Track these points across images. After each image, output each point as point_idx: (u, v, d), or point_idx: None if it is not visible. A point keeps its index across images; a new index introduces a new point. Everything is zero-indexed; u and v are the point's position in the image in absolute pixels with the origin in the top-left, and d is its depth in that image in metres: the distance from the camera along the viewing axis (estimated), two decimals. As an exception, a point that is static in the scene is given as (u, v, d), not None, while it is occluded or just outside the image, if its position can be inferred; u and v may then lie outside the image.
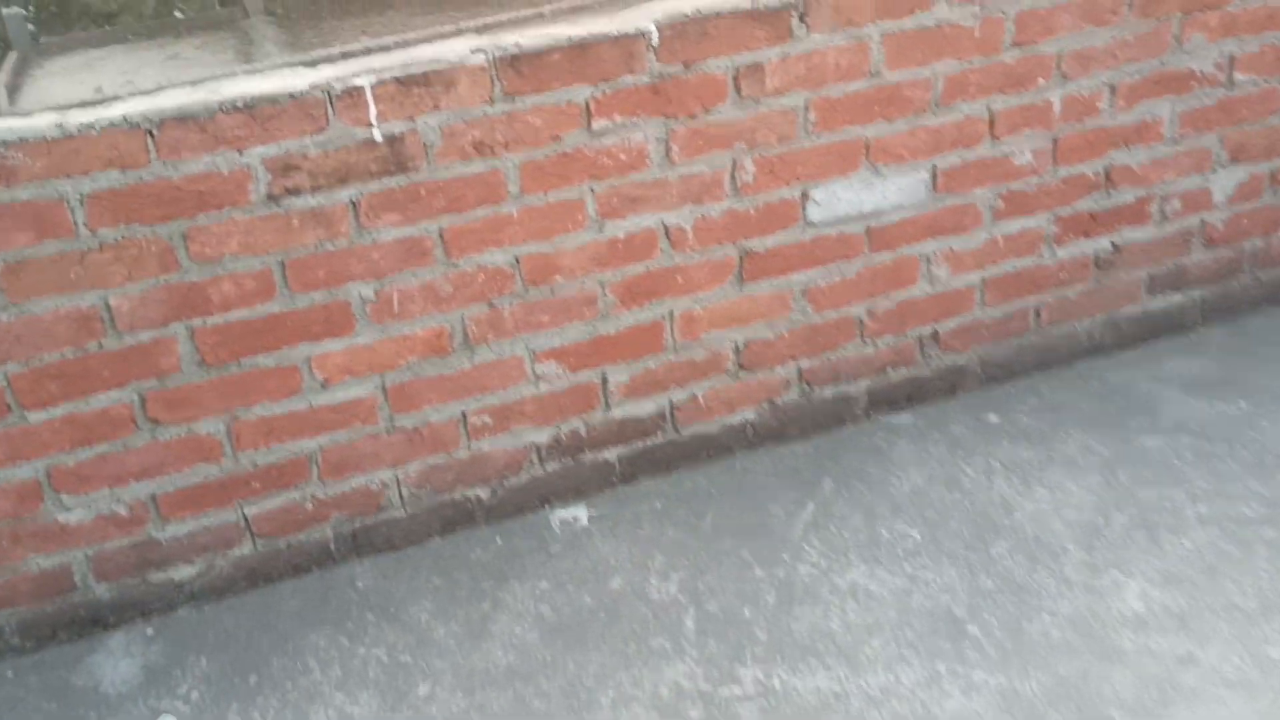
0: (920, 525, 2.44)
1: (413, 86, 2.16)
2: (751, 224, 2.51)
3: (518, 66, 2.21)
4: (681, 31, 2.29)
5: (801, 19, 2.37)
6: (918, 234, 2.67)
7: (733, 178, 2.46)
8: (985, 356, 2.87)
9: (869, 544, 2.40)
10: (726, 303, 2.57)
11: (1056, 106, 2.65)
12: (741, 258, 2.54)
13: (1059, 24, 2.56)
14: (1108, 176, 2.77)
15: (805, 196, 2.54)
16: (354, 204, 2.20)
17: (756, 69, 2.37)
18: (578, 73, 2.25)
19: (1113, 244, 2.86)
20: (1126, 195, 2.81)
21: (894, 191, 2.60)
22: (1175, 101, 2.75)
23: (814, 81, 2.43)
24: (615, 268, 2.44)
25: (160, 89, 2.15)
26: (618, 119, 2.32)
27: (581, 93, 2.27)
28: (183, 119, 2.04)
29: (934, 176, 2.62)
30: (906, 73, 2.49)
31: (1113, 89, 2.68)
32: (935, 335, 2.79)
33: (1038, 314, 2.87)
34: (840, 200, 2.56)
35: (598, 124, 2.31)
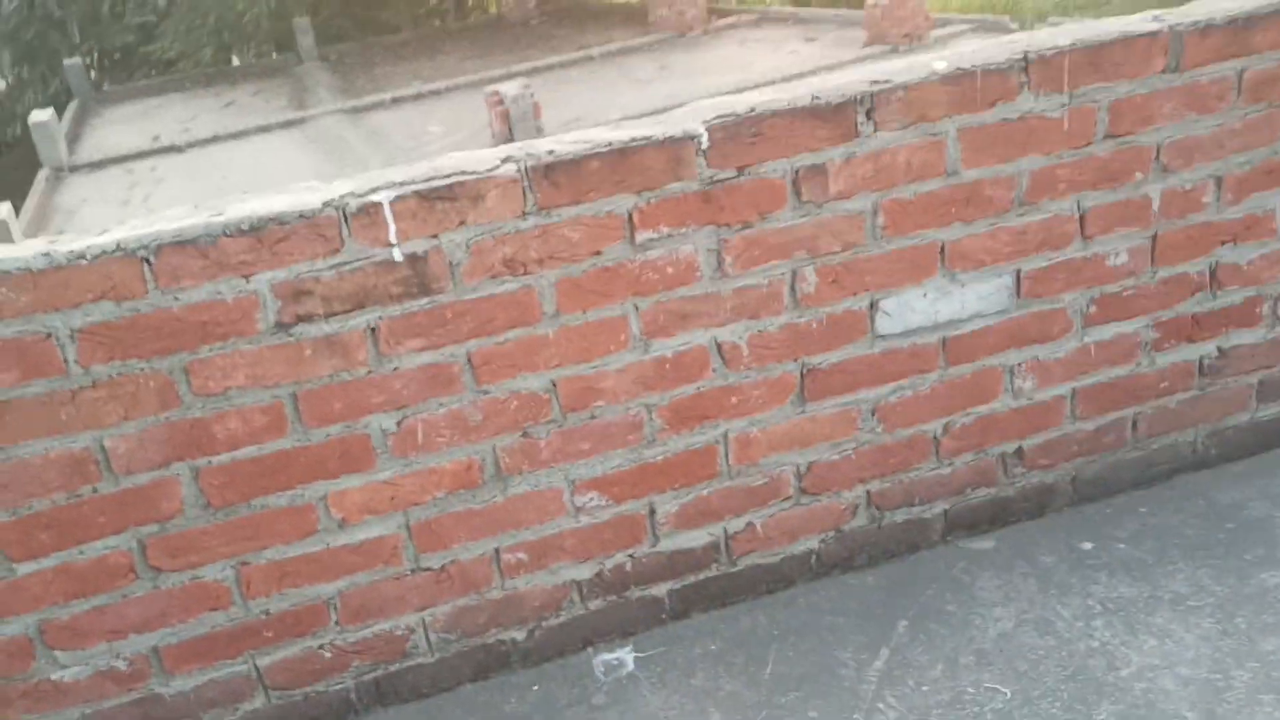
0: (1011, 679, 2.15)
1: (436, 201, 1.95)
2: (814, 338, 2.27)
3: (552, 176, 2.00)
4: (734, 133, 2.07)
5: (868, 116, 2.13)
6: (1000, 343, 2.40)
7: (792, 289, 2.22)
8: (1076, 474, 2.58)
9: (952, 703, 2.11)
10: (787, 423, 2.32)
11: (1155, 202, 2.38)
12: (803, 375, 2.29)
13: (1158, 112, 2.30)
14: (1213, 276, 2.49)
15: (874, 307, 2.29)
16: (372, 330, 1.99)
17: (818, 171, 2.14)
18: (619, 181, 2.04)
19: (1219, 348, 2.57)
20: (1234, 295, 2.52)
21: (973, 299, 2.34)
22: (1288, 192, 2.46)
23: (883, 182, 2.19)
24: (662, 390, 2.21)
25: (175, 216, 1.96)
26: (664, 230, 2.09)
27: (624, 203, 2.05)
28: (182, 244, 1.85)
29: (1018, 281, 2.36)
30: (986, 170, 2.24)
31: (1219, 181, 2.40)
32: (1020, 452, 2.52)
33: (1135, 425, 2.58)
34: (913, 310, 2.31)
35: (642, 236, 2.08)
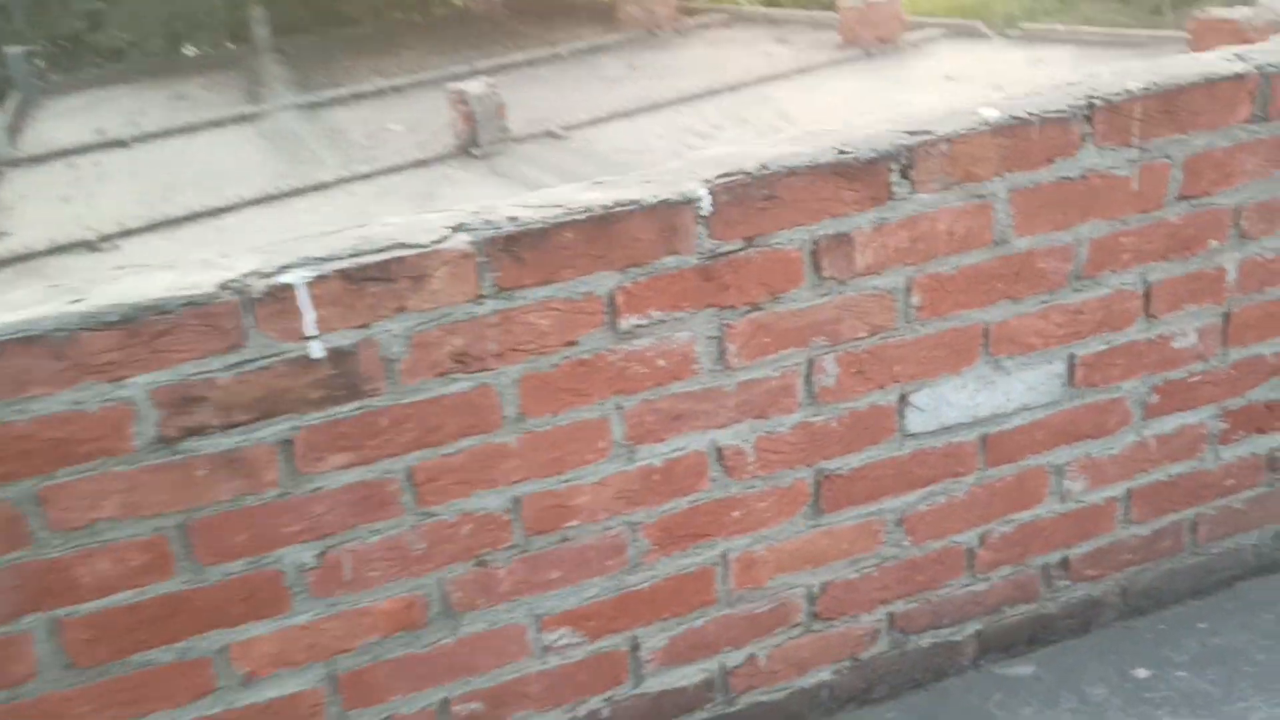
0: None
1: (367, 283, 1.54)
2: (832, 439, 1.87)
3: (516, 250, 1.59)
4: (741, 196, 1.67)
5: (904, 174, 1.74)
6: (1047, 440, 2.02)
7: (808, 382, 1.82)
8: (1127, 584, 2.21)
9: None
10: (798, 539, 1.92)
11: (1231, 273, 2.00)
12: (818, 482, 1.89)
13: (1239, 169, 1.92)
14: (1292, 357, 2.12)
15: (904, 401, 1.90)
16: (286, 444, 1.57)
17: (843, 241, 1.74)
18: (600, 256, 1.63)
19: (1293, 439, 2.20)
20: (1315, 380, 2.16)
21: (1019, 389, 1.96)
22: (1382, 261, 2.10)
23: (919, 254, 1.80)
24: (650, 505, 1.81)
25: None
26: (654, 314, 1.69)
27: (605, 282, 1.65)
28: (29, 341, 1.42)
29: (1071, 368, 1.98)
30: (1041, 238, 1.86)
31: (1305, 249, 2.03)
32: (1065, 563, 2.14)
33: (1194, 529, 2.21)
34: (949, 404, 1.92)
35: (627, 322, 1.68)
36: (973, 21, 18.45)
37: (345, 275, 1.52)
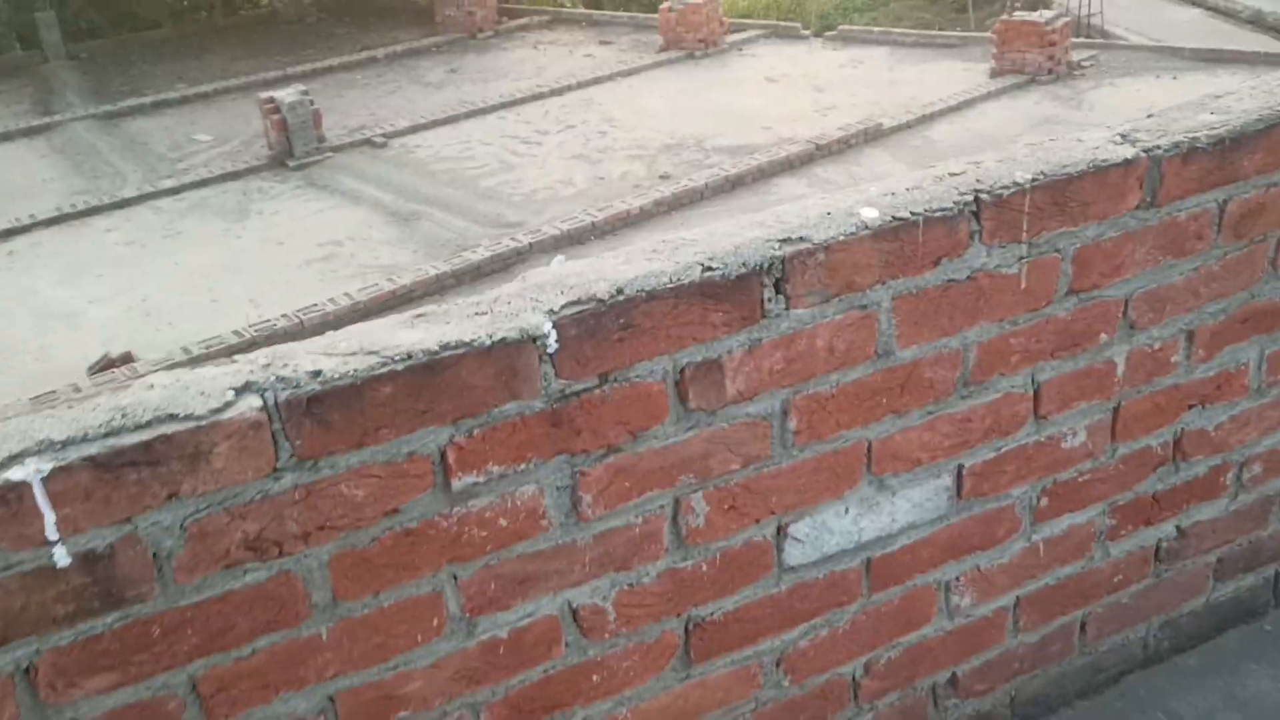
0: None
1: (125, 469, 1.21)
2: (703, 584, 1.63)
3: (321, 412, 1.29)
4: (593, 328, 1.40)
5: (778, 288, 1.50)
6: (935, 557, 1.83)
7: (675, 525, 1.58)
8: (1017, 693, 2.04)
9: None
10: (666, 695, 1.68)
11: (1120, 366, 1.85)
12: (688, 631, 1.65)
13: (1129, 259, 1.77)
14: (1177, 446, 1.99)
15: (781, 534, 1.67)
16: (27, 671, 1.23)
17: (711, 369, 1.50)
18: (425, 409, 1.34)
19: (1178, 527, 2.07)
20: (1198, 466, 2.03)
21: (905, 508, 1.76)
22: (1265, 342, 1.98)
23: (796, 375, 1.57)
24: (495, 681, 1.53)
25: None
26: (494, 469, 1.41)
27: (432, 438, 1.36)
28: None
29: (958, 480, 1.79)
30: (927, 346, 1.66)
31: (1190, 335, 1.89)
32: (953, 680, 1.96)
33: (1083, 628, 2.06)
34: (830, 532, 1.71)
35: (461, 481, 1.40)
36: (791, 23, 18.68)
37: (96, 463, 1.19)
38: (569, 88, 15.30)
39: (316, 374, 1.28)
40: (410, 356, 1.32)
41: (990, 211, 1.62)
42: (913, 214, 1.57)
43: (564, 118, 14.17)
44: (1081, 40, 15.67)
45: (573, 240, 10.59)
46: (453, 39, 18.37)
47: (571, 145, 13.17)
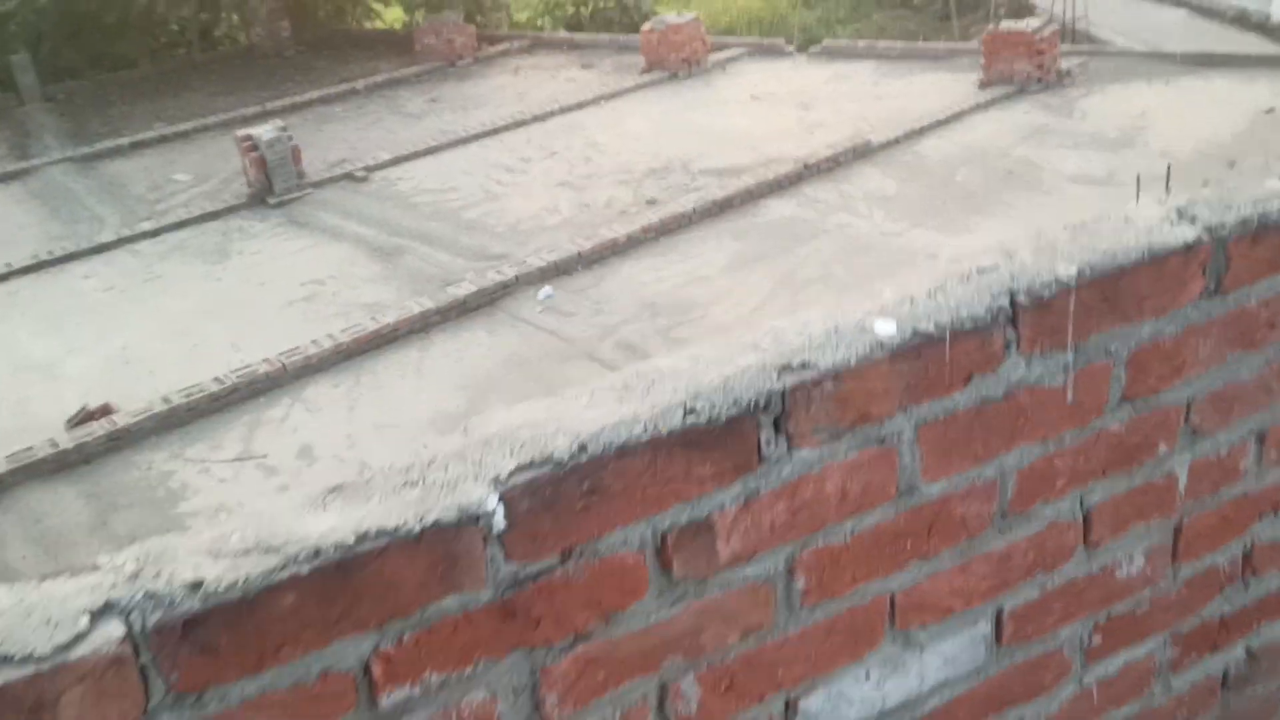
0: None
1: (-59, 736, 0.93)
2: (700, 778, 1.35)
3: (203, 636, 1.01)
4: (551, 497, 1.13)
5: (778, 428, 1.23)
6: (973, 715, 1.55)
7: (661, 714, 1.29)
8: None
9: None
10: None
11: (1182, 480, 1.57)
12: (684, 834, 1.37)
13: (1191, 358, 1.49)
14: (1245, 561, 1.71)
15: (791, 709, 1.39)
16: None
17: (699, 530, 1.23)
18: (340, 617, 1.06)
19: (1247, 649, 1.80)
20: (1270, 581, 1.76)
21: (935, 665, 1.48)
22: (1341, 436, 1.71)
23: (803, 527, 1.29)
24: None
25: None
26: (432, 678, 1.13)
27: (352, 650, 1.08)
28: None
29: (998, 625, 1.51)
30: (958, 479, 1.38)
31: (1260, 437, 1.62)
32: (997, 845, 1.67)
33: (1142, 771, 1.78)
34: (849, 701, 1.43)
35: (392, 696, 1.12)
36: (774, 40, 18.45)
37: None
38: (551, 113, 15.05)
39: (197, 586, 1.00)
40: (318, 554, 1.04)
41: (1029, 316, 1.34)
42: (937, 326, 1.29)
43: (547, 144, 13.92)
44: (1069, 48, 15.46)
45: (559, 271, 10.33)
46: (432, 67, 18.14)
47: (556, 172, 12.92)
